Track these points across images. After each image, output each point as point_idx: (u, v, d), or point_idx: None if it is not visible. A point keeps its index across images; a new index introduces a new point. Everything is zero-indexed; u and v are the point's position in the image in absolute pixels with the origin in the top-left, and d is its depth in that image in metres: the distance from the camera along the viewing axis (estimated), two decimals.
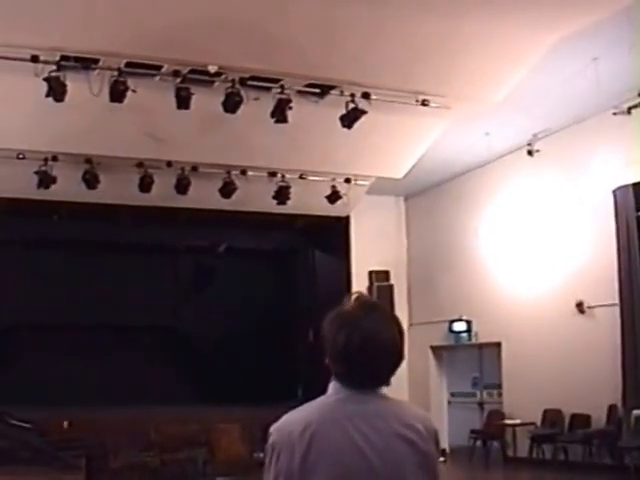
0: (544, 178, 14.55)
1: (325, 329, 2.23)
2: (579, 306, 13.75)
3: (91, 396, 15.51)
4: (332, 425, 2.14)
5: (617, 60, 11.19)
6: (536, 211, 14.80)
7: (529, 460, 14.25)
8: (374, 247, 17.64)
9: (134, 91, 10.35)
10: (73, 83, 10.08)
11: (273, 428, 2.21)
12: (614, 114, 12.31)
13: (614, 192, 13.18)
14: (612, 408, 13.02)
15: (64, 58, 9.94)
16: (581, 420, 13.57)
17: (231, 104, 10.81)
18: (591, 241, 13.63)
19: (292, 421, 2.19)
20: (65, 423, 13.84)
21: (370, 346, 2.16)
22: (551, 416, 14.16)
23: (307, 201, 14.62)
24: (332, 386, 2.21)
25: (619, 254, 13.06)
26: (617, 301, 13.04)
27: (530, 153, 14.25)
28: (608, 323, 13.12)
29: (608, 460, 13.01)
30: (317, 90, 11.53)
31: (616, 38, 10.50)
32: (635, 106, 12.18)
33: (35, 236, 15.78)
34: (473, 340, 16.51)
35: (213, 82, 10.88)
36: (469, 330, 16.47)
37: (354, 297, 2.27)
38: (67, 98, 10.13)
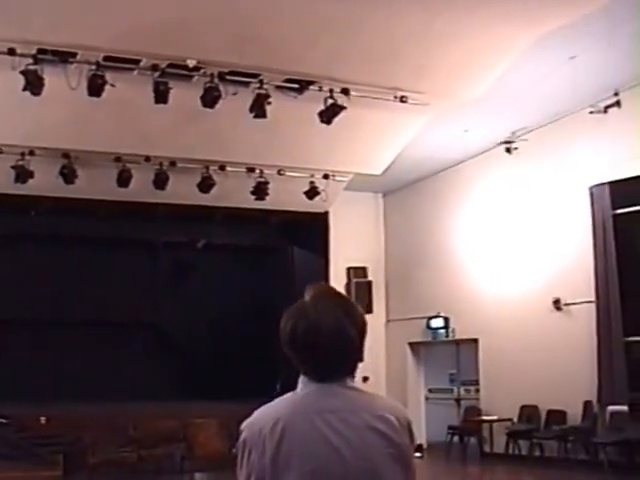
0: (522, 175, 14.62)
1: (281, 321, 2.22)
2: (556, 303, 13.84)
3: (69, 392, 15.44)
4: (302, 420, 2.12)
5: (594, 59, 11.26)
6: (514, 208, 14.87)
7: (505, 456, 14.34)
8: (352, 243, 17.66)
9: (112, 85, 10.28)
10: (51, 77, 10.00)
11: (244, 425, 2.19)
12: (591, 113, 12.39)
13: (591, 190, 13.27)
14: (587, 404, 13.12)
15: (41, 51, 9.86)
16: (557, 416, 13.67)
17: (210, 99, 10.77)
18: (568, 238, 13.72)
19: (262, 417, 2.17)
20: (42, 419, 13.76)
21: (314, 334, 2.12)
22: (527, 412, 14.25)
23: (285, 197, 14.61)
24: (301, 380, 2.20)
25: (595, 251, 13.15)
26: (593, 298, 13.13)
27: (508, 150, 14.32)
28: (584, 320, 13.21)
29: (583, 455, 13.11)
30: (296, 85, 11.51)
31: (593, 37, 10.57)
32: (611, 105, 12.27)
33: (12, 231, 15.65)
34: (450, 336, 16.56)
35: (192, 77, 10.84)
36: (446, 326, 16.53)
37: (313, 287, 2.25)
38: (44, 92, 10.05)
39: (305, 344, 2.14)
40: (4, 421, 13.37)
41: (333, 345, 2.13)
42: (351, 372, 2.18)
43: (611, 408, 12.76)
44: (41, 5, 8.93)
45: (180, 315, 17.97)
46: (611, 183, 13.02)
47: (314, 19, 9.77)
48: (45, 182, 12.84)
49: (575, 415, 13.31)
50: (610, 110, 12.28)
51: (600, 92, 12.21)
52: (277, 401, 2.20)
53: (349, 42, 10.31)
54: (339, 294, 2.26)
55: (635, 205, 13.05)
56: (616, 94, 12.26)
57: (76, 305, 16.82)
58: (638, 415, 12.15)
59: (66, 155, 12.68)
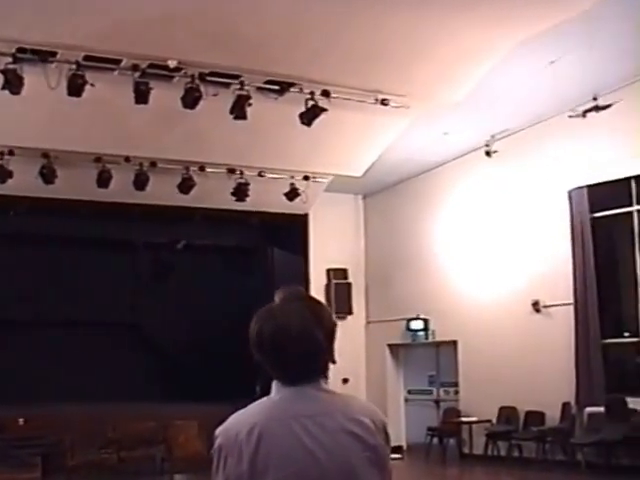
0: (502, 178, 14.70)
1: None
2: (535, 305, 13.92)
3: (48, 393, 15.33)
4: (278, 425, 2.11)
5: (573, 64, 11.35)
6: (493, 211, 14.94)
7: (484, 457, 14.41)
8: (332, 245, 17.66)
9: (92, 85, 10.24)
10: (30, 76, 9.95)
11: (219, 431, 2.18)
12: (570, 117, 12.48)
13: (569, 193, 13.37)
14: (566, 406, 13.21)
15: (21, 50, 9.80)
16: (535, 417, 13.75)
17: (190, 100, 10.75)
18: (547, 241, 13.80)
19: (238, 423, 2.16)
20: (20, 420, 13.68)
21: (280, 336, 2.12)
22: (506, 413, 14.32)
23: (266, 198, 14.59)
24: (274, 385, 2.20)
25: (574, 254, 13.25)
26: (572, 300, 13.22)
27: (488, 154, 14.38)
28: (563, 322, 13.30)
29: (561, 456, 13.21)
30: (277, 87, 11.52)
31: (573, 42, 10.65)
32: (590, 110, 12.36)
33: None
34: (430, 338, 16.61)
35: (172, 77, 10.81)
36: (426, 328, 16.57)
37: (282, 290, 2.25)
38: (24, 91, 10.00)
39: (271, 347, 2.14)
40: None
41: (299, 348, 2.12)
42: (322, 374, 2.18)
43: (589, 409, 12.86)
44: (21, 4, 8.88)
45: (160, 316, 17.91)
46: (589, 187, 13.12)
47: (295, 21, 9.78)
48: (24, 182, 12.76)
49: (553, 416, 13.40)
50: (589, 114, 12.36)
51: (579, 97, 12.30)
52: (252, 406, 2.19)
53: (330, 44, 10.33)
54: (308, 296, 2.25)
55: (613, 208, 13.16)
56: (595, 98, 12.35)
57: (55, 305, 16.72)
58: (615, 416, 12.24)
59: (46, 155, 12.60)
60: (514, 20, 9.84)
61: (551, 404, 13.34)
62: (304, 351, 2.13)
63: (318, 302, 2.25)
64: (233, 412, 2.21)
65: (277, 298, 2.21)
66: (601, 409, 12.56)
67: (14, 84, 9.90)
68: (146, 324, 18.16)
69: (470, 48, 10.66)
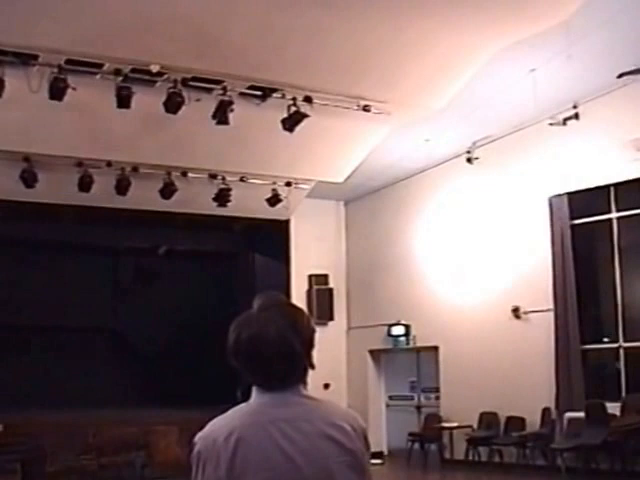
0: (483, 185, 14.76)
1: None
2: (515, 311, 13.98)
3: (27, 398, 15.25)
4: (256, 430, 2.12)
5: (554, 72, 11.44)
6: (474, 217, 15.00)
7: (465, 462, 14.45)
8: (314, 251, 17.67)
9: (74, 89, 10.20)
10: (11, 79, 9.91)
11: (198, 437, 2.18)
12: (550, 124, 12.57)
13: (550, 200, 13.45)
14: (546, 411, 13.28)
15: (3, 53, 9.75)
16: (516, 423, 13.81)
17: (172, 104, 10.73)
18: (527, 248, 13.88)
19: (216, 429, 2.16)
20: (0, 426, 13.57)
21: (255, 343, 2.13)
22: (487, 419, 14.37)
23: (247, 204, 14.58)
24: (254, 390, 2.20)
25: (554, 261, 13.33)
26: (552, 307, 13.29)
27: (469, 160, 14.45)
28: (543, 328, 13.37)
29: (541, 461, 13.28)
30: (259, 92, 11.52)
31: (553, 51, 10.72)
32: (570, 117, 12.46)
33: None
34: (411, 344, 16.63)
35: (155, 82, 10.79)
36: (407, 334, 16.60)
37: (260, 296, 2.26)
38: (5, 94, 9.95)
39: (248, 354, 2.15)
40: None
41: (275, 354, 2.13)
42: (301, 380, 2.19)
43: (568, 414, 12.93)
44: (2, 7, 8.84)
45: (141, 321, 17.85)
46: (569, 194, 13.21)
47: (278, 27, 9.80)
48: (5, 186, 12.69)
49: (534, 421, 13.46)
50: (569, 122, 12.46)
51: (559, 104, 12.39)
52: (230, 412, 2.20)
53: (313, 50, 10.35)
54: (285, 303, 2.26)
55: (593, 215, 13.26)
56: (575, 107, 12.45)
57: (35, 310, 16.64)
58: (594, 421, 12.32)
59: (26, 159, 12.54)
60: (495, 29, 9.91)
61: (531, 409, 13.41)
62: (280, 357, 2.14)
63: (296, 308, 2.25)
64: (214, 418, 2.22)
65: (255, 305, 2.22)
66: (581, 414, 12.64)
67: None
68: (127, 329, 18.10)
69: (451, 56, 10.72)
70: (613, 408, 12.32)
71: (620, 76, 8.09)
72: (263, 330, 2.14)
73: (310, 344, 2.20)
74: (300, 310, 2.26)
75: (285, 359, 2.14)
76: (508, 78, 11.64)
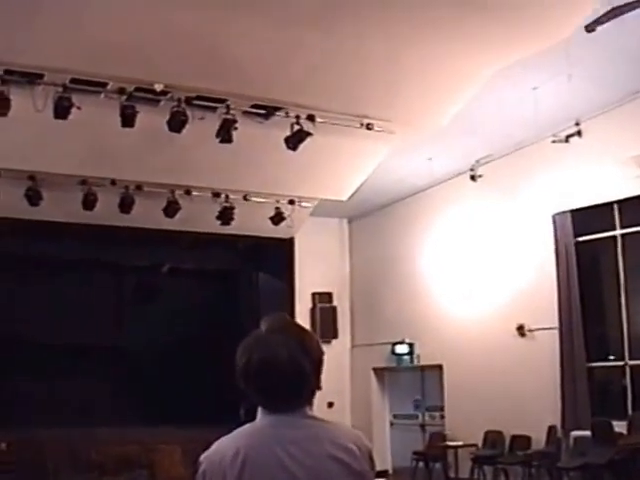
0: (486, 203, 14.76)
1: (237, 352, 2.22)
2: (520, 329, 13.94)
3: (30, 416, 15.19)
4: (263, 450, 2.12)
5: (556, 90, 11.46)
6: (478, 235, 14.99)
7: None
8: (317, 269, 17.66)
9: (79, 108, 10.24)
10: (17, 98, 9.95)
11: (203, 457, 2.18)
12: (553, 142, 12.58)
13: (554, 218, 13.43)
14: (551, 429, 13.20)
15: (8, 72, 9.81)
16: (521, 441, 13.73)
17: (176, 123, 10.76)
18: (532, 265, 13.85)
19: (222, 448, 2.16)
20: (2, 445, 13.54)
21: (267, 367, 2.13)
22: (492, 437, 14.29)
23: (251, 222, 14.59)
24: (259, 411, 2.20)
25: (558, 278, 13.30)
26: (557, 324, 13.25)
27: (473, 178, 14.45)
28: (548, 346, 13.32)
29: None
30: (262, 111, 11.55)
31: (555, 69, 10.75)
32: (572, 134, 12.47)
33: None
34: (415, 362, 16.59)
35: (159, 101, 10.83)
36: (411, 352, 16.56)
37: (269, 318, 2.25)
38: (11, 113, 9.98)
39: (259, 378, 2.15)
40: None
41: (286, 378, 2.14)
42: (308, 401, 2.19)
43: (575, 433, 12.85)
44: (8, 25, 8.89)
45: (144, 339, 17.81)
46: (573, 211, 13.20)
47: (281, 46, 9.83)
48: (10, 204, 12.72)
49: (539, 440, 13.38)
50: (572, 139, 12.47)
51: (562, 122, 12.41)
52: (236, 432, 2.20)
53: (316, 69, 10.39)
54: (294, 325, 2.26)
55: (597, 233, 13.24)
56: (577, 124, 12.47)
57: (38, 327, 16.60)
58: (601, 440, 12.24)
59: (31, 177, 12.57)
60: (496, 48, 9.93)
61: (537, 428, 13.33)
62: (291, 382, 2.15)
63: (305, 331, 2.26)
64: (217, 437, 2.21)
65: (263, 327, 2.21)
66: (587, 433, 12.56)
67: (1, 106, 9.89)
68: (130, 347, 18.06)
69: (454, 74, 10.75)
70: (620, 426, 12.24)
71: (589, 29, 8.00)
72: (274, 353, 2.15)
73: (319, 366, 2.21)
74: (309, 332, 2.27)
75: (295, 381, 2.15)
76: (510, 96, 11.67)
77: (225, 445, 2.17)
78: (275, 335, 2.19)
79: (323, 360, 2.23)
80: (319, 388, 2.20)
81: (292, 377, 2.15)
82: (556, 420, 13.08)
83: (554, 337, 13.25)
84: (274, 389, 2.14)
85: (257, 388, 2.17)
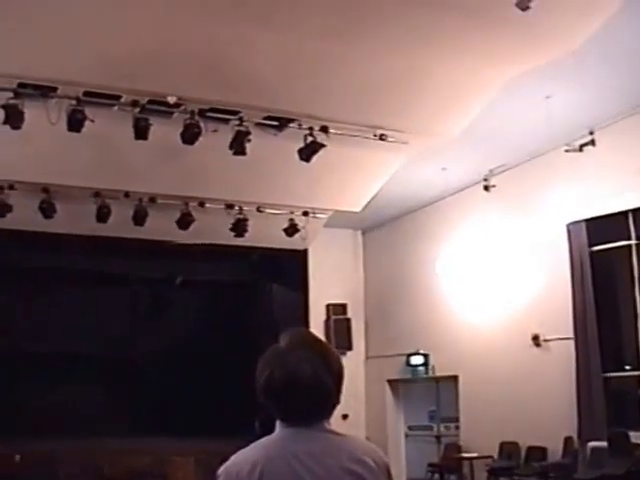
0: (500, 213, 14.72)
1: (257, 367, 2.22)
2: (535, 339, 13.87)
3: (44, 428, 15.22)
4: (280, 464, 2.11)
5: (569, 99, 11.43)
6: (492, 245, 14.94)
7: None
8: (331, 280, 17.65)
9: (92, 120, 10.29)
10: (31, 111, 10.00)
11: (221, 470, 2.18)
12: (567, 151, 12.53)
13: (568, 227, 13.38)
14: (568, 440, 13.10)
15: (22, 85, 9.87)
16: (537, 453, 13.63)
17: (190, 135, 10.79)
18: (546, 275, 13.79)
19: (240, 461, 2.16)
20: (17, 456, 13.56)
21: (291, 384, 2.13)
22: (508, 449, 14.20)
23: (265, 234, 14.60)
24: (277, 424, 2.20)
25: (573, 288, 13.23)
26: (572, 334, 13.18)
27: (486, 188, 14.41)
28: (563, 356, 13.24)
29: None
30: (276, 123, 11.57)
31: (568, 78, 10.73)
32: (586, 144, 12.41)
33: None
34: (430, 373, 16.54)
35: (172, 113, 10.86)
36: (426, 364, 16.51)
37: (290, 332, 2.25)
38: (24, 126, 10.04)
39: (281, 394, 2.15)
40: None
41: (309, 394, 2.14)
42: (328, 416, 2.19)
43: (591, 444, 12.75)
44: (22, 39, 8.95)
45: (158, 351, 17.86)
46: (587, 220, 13.14)
47: (294, 57, 9.85)
48: (24, 216, 12.77)
49: (556, 451, 13.28)
50: (585, 148, 12.42)
51: (575, 131, 12.36)
52: (254, 445, 2.20)
53: (329, 81, 10.40)
54: (315, 340, 2.26)
55: (611, 242, 13.17)
56: (591, 133, 12.41)
57: (51, 339, 16.67)
58: (618, 451, 12.14)
59: (45, 190, 12.64)
60: (508, 57, 9.92)
61: (553, 439, 13.23)
62: (314, 398, 2.16)
63: (327, 346, 2.27)
64: (231, 449, 2.21)
65: (283, 341, 2.21)
66: (604, 444, 12.46)
67: (15, 119, 9.95)
68: (143, 359, 18.10)
69: (466, 84, 10.74)
70: (636, 437, 12.14)
71: (522, 7, 7.92)
72: (297, 370, 2.15)
73: (340, 381, 2.22)
74: (330, 347, 2.28)
75: (318, 397, 2.16)
76: (523, 105, 11.64)
77: (243, 458, 2.17)
78: (297, 351, 2.18)
79: (343, 375, 2.23)
80: (339, 402, 2.20)
81: (315, 393, 2.15)
82: (572, 431, 12.99)
83: (569, 347, 13.17)
84: (296, 405, 2.14)
85: (279, 403, 2.16)
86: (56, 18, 8.71)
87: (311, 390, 2.14)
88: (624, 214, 12.80)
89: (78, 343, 16.89)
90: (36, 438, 14.60)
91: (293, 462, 2.11)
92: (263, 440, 2.20)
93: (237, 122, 11.06)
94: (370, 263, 18.52)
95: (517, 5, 8.09)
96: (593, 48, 9.53)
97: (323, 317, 17.54)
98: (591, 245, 13.20)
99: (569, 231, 13.36)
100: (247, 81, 10.18)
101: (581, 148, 12.45)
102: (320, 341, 2.28)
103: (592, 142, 12.38)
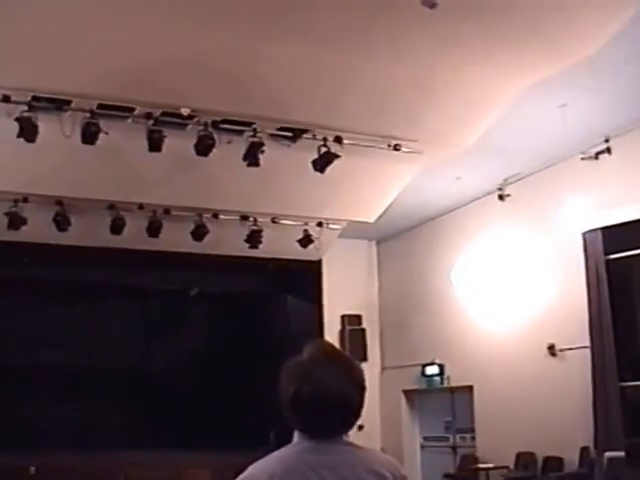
0: (515, 222, 14.67)
1: (280, 379, 2.21)
2: (551, 349, 13.79)
3: (59, 441, 15.23)
4: (297, 476, 2.11)
5: (584, 107, 11.37)
6: (508, 254, 14.88)
7: None
8: (346, 291, 17.63)
9: (106, 133, 10.33)
10: (45, 124, 10.06)
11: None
12: (582, 159, 12.48)
13: (584, 236, 13.31)
14: (584, 450, 13.01)
15: (36, 99, 9.92)
16: (554, 463, 13.54)
17: (203, 147, 10.81)
18: (562, 284, 13.72)
19: (257, 472, 2.15)
20: (32, 469, 13.58)
21: (319, 399, 2.13)
22: (524, 459, 14.11)
23: (279, 245, 14.60)
24: (295, 435, 2.19)
25: (589, 297, 13.15)
26: (588, 343, 13.10)
27: (501, 197, 14.38)
28: (579, 366, 13.16)
29: None
30: (289, 134, 11.57)
31: (582, 86, 10.68)
32: (602, 152, 12.37)
33: (4, 278, 15.59)
34: (445, 384, 16.47)
35: (186, 125, 10.89)
36: (441, 374, 16.44)
37: (313, 345, 2.25)
38: (39, 139, 10.09)
39: (309, 408, 2.15)
40: None
41: (336, 408, 2.16)
42: (350, 429, 2.19)
43: (608, 454, 12.64)
44: (36, 52, 9.00)
45: (172, 363, 17.85)
46: (603, 229, 13.07)
47: (307, 68, 9.86)
48: (38, 229, 12.83)
49: (572, 461, 13.18)
50: (601, 156, 12.37)
51: (591, 139, 12.32)
52: (271, 456, 2.19)
53: (342, 91, 10.40)
54: (340, 353, 2.29)
55: (627, 250, 13.09)
56: (607, 140, 12.36)
57: (65, 352, 16.69)
58: (635, 461, 12.04)
59: (59, 202, 12.69)
60: (524, 65, 9.90)
61: (569, 449, 13.14)
62: (340, 412, 2.18)
63: (351, 360, 2.30)
64: (246, 460, 2.20)
65: (306, 354, 2.21)
66: (621, 454, 12.36)
67: (29, 132, 10.00)
68: (157, 371, 18.10)
69: (481, 93, 10.72)
70: None
71: (428, 4, 7.92)
72: (326, 385, 2.16)
73: (363, 393, 2.25)
74: (353, 360, 2.29)
75: (344, 411, 2.18)
76: (538, 114, 11.60)
77: (260, 469, 2.16)
78: (324, 365, 2.19)
79: (366, 387, 2.23)
80: (361, 415, 2.22)
81: (341, 407, 2.16)
82: (589, 441, 12.89)
83: (585, 356, 13.09)
84: (323, 419, 2.15)
85: (305, 417, 2.16)
86: (69, 31, 8.76)
87: (338, 404, 2.15)
88: None
89: (94, 356, 16.90)
90: (52, 451, 14.61)
91: (310, 474, 2.10)
92: (280, 451, 2.20)
93: (251, 133, 11.08)
94: (385, 273, 18.49)
95: (422, 4, 8.09)
96: (608, 55, 9.49)
97: (338, 328, 17.50)
98: (607, 253, 13.13)
99: (585, 239, 13.28)
100: (260, 92, 10.20)
101: (597, 156, 12.41)
102: (343, 354, 2.31)
103: (608, 150, 12.33)
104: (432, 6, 8.04)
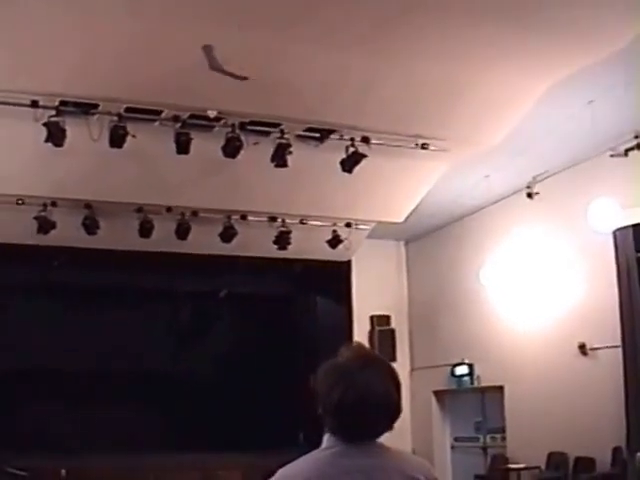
0: (544, 220, 14.56)
1: (319, 382, 2.21)
2: (582, 348, 13.67)
3: (90, 444, 15.33)
4: (331, 479, 2.10)
5: (612, 103, 11.26)
6: (537, 253, 14.78)
7: None
8: (375, 291, 17.61)
9: (134, 136, 10.38)
10: (72, 128, 10.12)
11: None
12: (611, 156, 12.37)
13: (614, 233, 13.18)
14: (616, 450, 12.88)
15: (63, 103, 9.98)
16: (586, 463, 13.41)
17: (231, 149, 10.84)
18: (592, 282, 13.59)
19: (292, 474, 2.14)
20: (63, 472, 13.66)
21: (365, 403, 2.14)
22: (555, 459, 13.99)
23: (308, 246, 14.60)
24: (327, 439, 2.18)
25: (620, 295, 13.02)
26: (619, 342, 12.97)
27: (530, 195, 14.28)
28: (611, 365, 13.03)
29: None
30: (317, 134, 11.57)
31: (610, 82, 10.58)
32: (631, 148, 12.24)
33: (34, 282, 15.72)
34: (475, 384, 16.38)
35: (213, 127, 10.92)
36: (471, 374, 16.36)
37: (350, 348, 2.24)
38: (66, 143, 10.16)
39: (354, 413, 2.16)
40: (23, 474, 13.23)
41: (380, 412, 2.18)
42: (387, 432, 2.20)
43: None
44: (63, 57, 9.06)
45: (201, 365, 17.90)
46: (634, 226, 12.93)
47: (334, 69, 9.85)
48: (67, 233, 12.92)
49: (604, 462, 13.05)
50: (630, 153, 12.25)
51: (620, 135, 12.19)
52: (303, 459, 2.19)
53: (369, 91, 10.38)
54: (377, 356, 2.33)
55: None
56: (636, 137, 12.23)
57: (95, 355, 16.78)
58: None
59: (88, 206, 12.77)
60: (550, 62, 9.83)
61: (601, 449, 13.00)
62: (384, 414, 2.21)
63: (386, 361, 2.30)
64: (276, 462, 2.19)
65: (344, 357, 2.22)
66: None
67: (57, 137, 10.07)
68: (187, 373, 18.15)
69: (508, 90, 10.65)
70: None
71: None
72: (371, 389, 2.18)
73: (400, 396, 2.26)
74: (390, 364, 2.30)
75: (388, 414, 2.22)
76: (566, 110, 11.50)
77: (293, 473, 2.16)
78: (366, 369, 2.21)
79: (401, 389, 2.25)
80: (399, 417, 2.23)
81: (386, 410, 2.20)
82: (621, 441, 12.75)
83: (617, 355, 12.95)
84: (367, 422, 2.17)
85: (348, 421, 2.16)
86: (96, 36, 8.81)
87: (382, 407, 2.18)
88: None
89: (123, 359, 16.99)
90: (82, 454, 14.71)
91: (344, 478, 2.09)
92: (312, 454, 2.19)
93: (278, 134, 11.09)
94: (413, 273, 18.44)
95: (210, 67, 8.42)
96: (636, 50, 9.38)
97: (367, 329, 17.48)
98: (638, 251, 13.00)
99: (615, 237, 13.15)
100: (287, 93, 10.20)
101: (626, 153, 12.29)
102: (380, 356, 2.33)
103: (638, 146, 12.20)
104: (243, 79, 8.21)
